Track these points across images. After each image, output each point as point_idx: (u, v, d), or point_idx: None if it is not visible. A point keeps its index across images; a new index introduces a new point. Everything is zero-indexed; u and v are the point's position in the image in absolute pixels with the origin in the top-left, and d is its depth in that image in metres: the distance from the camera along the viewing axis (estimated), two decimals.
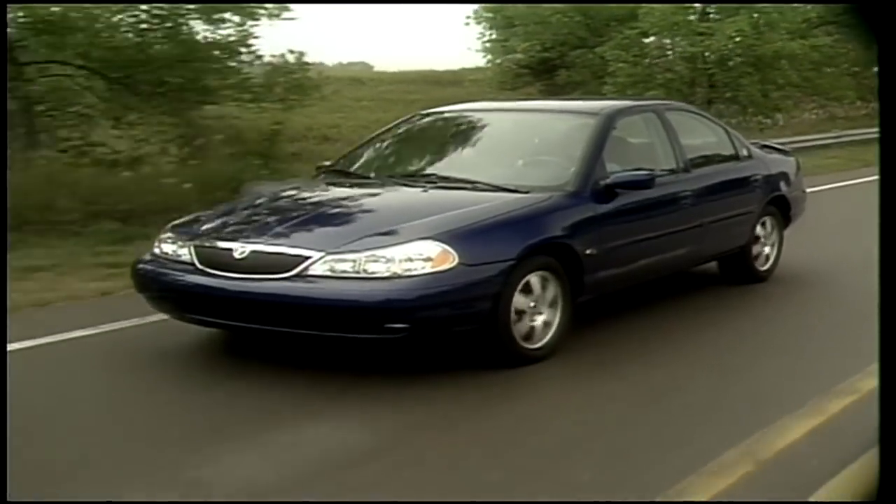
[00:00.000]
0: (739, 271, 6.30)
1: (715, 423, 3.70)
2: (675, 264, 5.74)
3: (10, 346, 4.35)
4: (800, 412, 3.66)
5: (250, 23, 12.49)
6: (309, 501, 2.98)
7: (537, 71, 23.55)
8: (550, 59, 22.91)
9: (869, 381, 3.81)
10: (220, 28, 12.52)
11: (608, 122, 5.29)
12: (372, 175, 5.30)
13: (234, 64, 12.69)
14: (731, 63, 21.04)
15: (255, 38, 12.58)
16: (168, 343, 4.73)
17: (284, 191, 5.37)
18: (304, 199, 5.07)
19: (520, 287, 4.30)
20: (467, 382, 4.12)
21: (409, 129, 6.03)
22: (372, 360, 4.36)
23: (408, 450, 3.41)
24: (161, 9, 11.86)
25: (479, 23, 24.56)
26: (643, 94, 19.42)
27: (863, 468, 1.53)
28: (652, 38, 22.00)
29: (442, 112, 6.43)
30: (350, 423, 3.67)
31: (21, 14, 10.97)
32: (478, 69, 25.33)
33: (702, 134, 6.29)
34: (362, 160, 5.65)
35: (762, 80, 21.02)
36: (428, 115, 6.34)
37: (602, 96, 17.04)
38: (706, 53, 21.35)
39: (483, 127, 5.94)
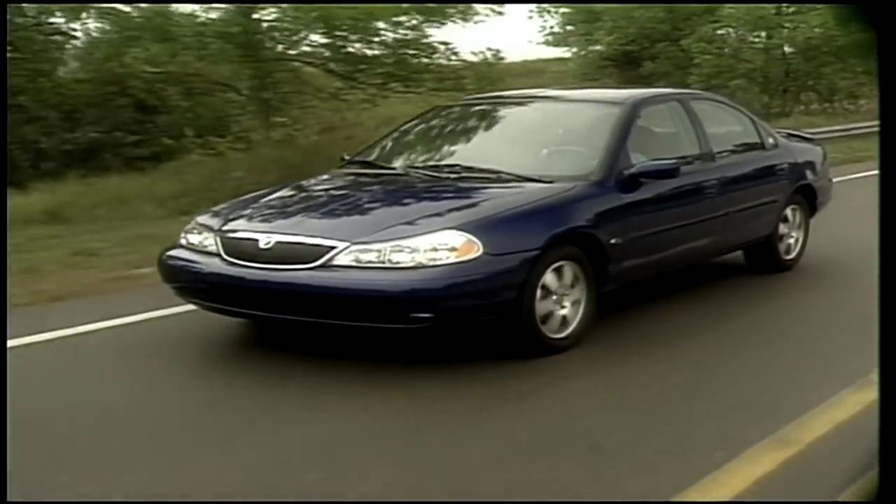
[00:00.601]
0: (765, 261, 6.26)
1: (735, 420, 3.67)
2: (700, 254, 5.72)
3: None
4: (820, 408, 3.61)
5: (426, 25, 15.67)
6: (306, 501, 2.98)
7: (620, 63, 25.34)
8: (632, 52, 24.81)
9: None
10: (399, 29, 15.39)
11: (633, 112, 5.27)
12: (396, 166, 5.31)
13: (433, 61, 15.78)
14: (812, 53, 22.99)
15: (428, 37, 15.64)
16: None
17: (309, 182, 5.39)
18: (328, 189, 5.09)
19: (544, 276, 4.30)
20: (489, 372, 4.13)
21: (433, 119, 6.03)
22: (393, 350, 4.38)
23: (423, 443, 3.43)
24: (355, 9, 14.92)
25: (542, 16, 26.53)
26: (727, 83, 21.90)
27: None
28: (732, 32, 24.49)
29: (466, 103, 6.44)
30: (377, 413, 3.70)
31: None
32: (558, 60, 27.25)
33: (727, 123, 6.25)
34: (387, 151, 5.66)
35: (843, 68, 22.43)
36: (452, 105, 6.35)
37: (678, 84, 18.38)
38: (784, 45, 23.62)
39: (507, 117, 5.94)
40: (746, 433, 3.35)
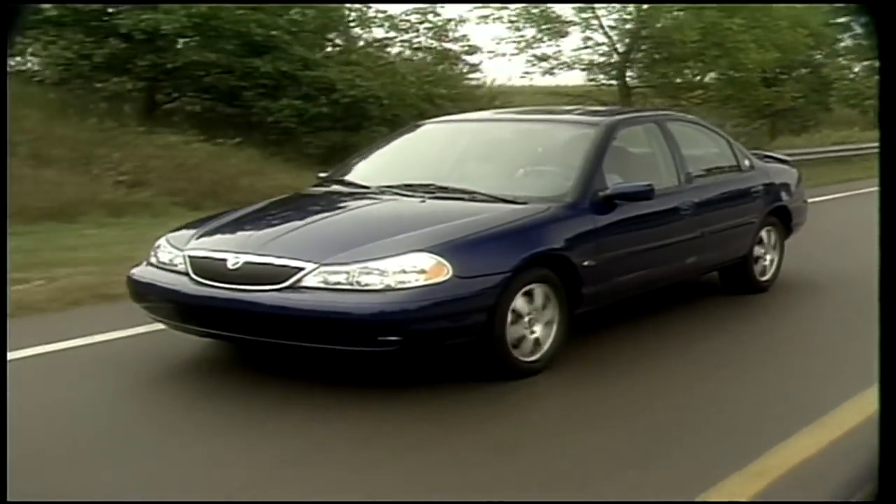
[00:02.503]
0: (740, 282, 6.26)
1: (711, 442, 3.65)
2: (675, 275, 5.71)
3: None
4: (804, 431, 3.59)
5: None
6: (306, 501, 2.98)
7: (757, 86, 27.61)
8: (769, 77, 27.44)
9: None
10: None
11: (608, 133, 5.26)
12: (370, 185, 5.25)
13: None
14: None
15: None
16: None
17: (282, 200, 5.35)
18: (299, 209, 5.05)
19: (516, 299, 4.26)
20: (461, 395, 4.09)
21: (409, 138, 6.00)
22: (369, 372, 4.34)
23: (396, 467, 3.39)
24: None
25: None
26: (862, 103, 27.37)
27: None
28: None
29: (442, 121, 6.43)
30: (351, 433, 3.65)
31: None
32: None
33: (703, 145, 6.26)
34: (361, 170, 5.62)
35: None
36: (428, 124, 6.33)
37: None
38: None
39: (483, 137, 5.92)
40: (724, 462, 3.30)
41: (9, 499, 2.51)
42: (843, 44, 30.56)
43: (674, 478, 3.24)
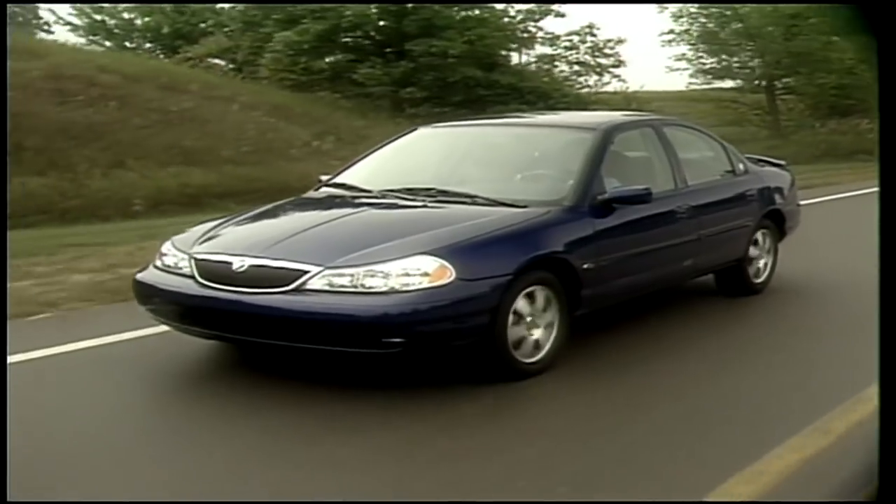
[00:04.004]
0: (735, 284, 6.34)
1: (708, 442, 3.72)
2: (672, 277, 5.79)
3: None
4: (804, 433, 3.65)
5: None
6: (310, 501, 3.03)
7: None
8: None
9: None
10: None
11: (606, 137, 5.33)
12: (371, 189, 5.32)
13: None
14: None
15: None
16: None
17: (285, 203, 5.41)
18: (303, 212, 5.11)
19: (517, 301, 4.33)
20: (463, 396, 4.15)
21: (409, 142, 6.06)
22: (366, 374, 4.40)
23: (397, 468, 3.45)
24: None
25: None
26: None
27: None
28: None
29: (442, 126, 6.49)
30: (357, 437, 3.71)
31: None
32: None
33: (699, 149, 6.35)
34: (362, 173, 5.67)
35: None
36: (428, 128, 6.39)
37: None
38: None
39: (483, 141, 5.99)
40: (725, 464, 3.36)
41: (9, 499, 2.56)
42: None
43: (674, 479, 3.30)
